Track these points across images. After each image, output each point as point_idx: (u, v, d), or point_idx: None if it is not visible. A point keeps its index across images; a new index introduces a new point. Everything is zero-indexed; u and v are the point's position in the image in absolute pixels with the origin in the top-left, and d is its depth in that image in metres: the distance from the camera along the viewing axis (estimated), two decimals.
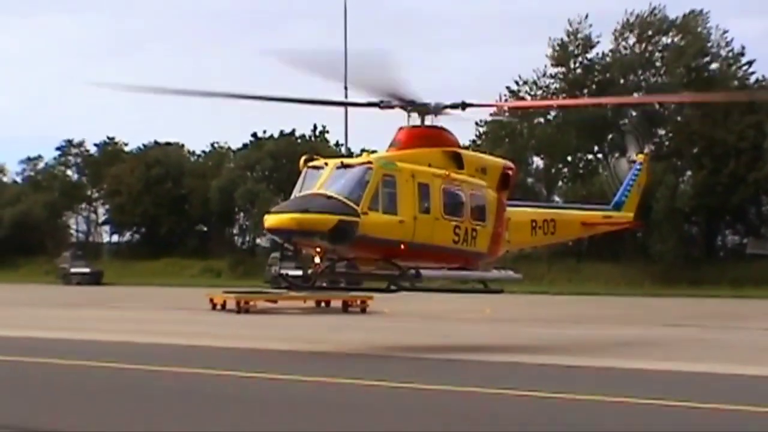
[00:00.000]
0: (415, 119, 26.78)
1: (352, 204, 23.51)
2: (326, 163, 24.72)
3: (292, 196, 24.83)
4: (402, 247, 24.29)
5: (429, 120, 26.80)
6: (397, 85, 26.03)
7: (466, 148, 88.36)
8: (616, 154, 39.71)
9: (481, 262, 27.00)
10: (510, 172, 27.91)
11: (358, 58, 26.24)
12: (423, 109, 26.58)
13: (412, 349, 26.14)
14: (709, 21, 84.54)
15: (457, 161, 26.41)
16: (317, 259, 24.39)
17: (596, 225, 33.75)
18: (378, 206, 23.96)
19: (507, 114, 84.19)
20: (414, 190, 24.62)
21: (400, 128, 26.81)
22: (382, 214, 23.96)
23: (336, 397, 16.78)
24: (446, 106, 26.77)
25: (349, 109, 68.14)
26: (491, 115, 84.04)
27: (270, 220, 23.88)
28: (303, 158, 25.50)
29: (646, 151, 37.58)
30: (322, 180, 24.06)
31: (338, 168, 24.39)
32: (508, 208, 27.94)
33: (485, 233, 26.33)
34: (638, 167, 34.64)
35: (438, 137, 26.60)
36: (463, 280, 28.48)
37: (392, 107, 26.73)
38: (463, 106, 26.90)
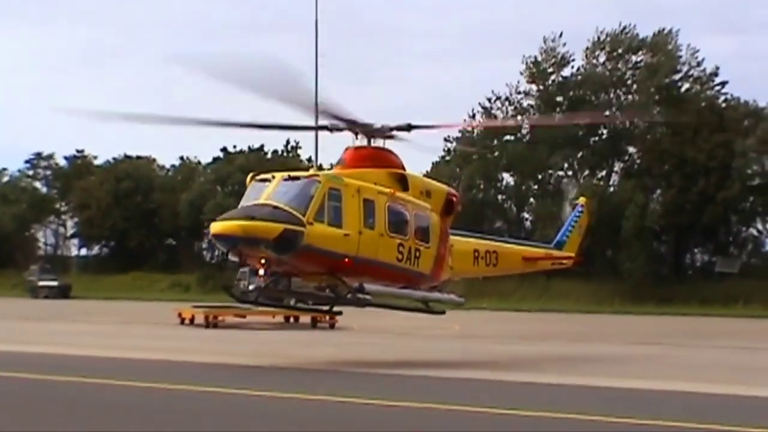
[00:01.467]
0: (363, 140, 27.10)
1: (297, 214, 23.71)
2: (273, 176, 25.00)
3: (239, 207, 25.00)
4: (346, 260, 24.51)
5: (379, 142, 27.14)
6: (339, 108, 26.44)
7: (436, 164, 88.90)
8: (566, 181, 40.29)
9: (425, 283, 27.15)
10: (454, 199, 28.26)
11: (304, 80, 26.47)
12: (370, 131, 26.87)
13: (374, 365, 25.99)
14: (679, 39, 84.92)
15: (402, 183, 26.73)
16: (261, 272, 24.50)
17: (537, 260, 33.91)
18: (324, 218, 24.13)
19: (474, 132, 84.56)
20: (359, 205, 24.86)
21: (347, 148, 27.23)
22: (327, 226, 24.14)
23: (287, 412, 16.68)
24: (392, 128, 27.07)
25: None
26: (460, 132, 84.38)
27: (216, 227, 23.95)
28: (250, 175, 25.87)
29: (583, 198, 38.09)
30: (269, 191, 24.32)
31: (285, 180, 24.66)
32: (452, 237, 28.32)
33: (429, 255, 26.65)
34: (580, 210, 35.42)
35: (383, 158, 26.98)
36: (407, 299, 28.28)
37: (340, 130, 27.13)
38: (409, 128, 27.14)
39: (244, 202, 24.92)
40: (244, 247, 23.86)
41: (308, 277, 26.18)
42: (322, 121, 27.46)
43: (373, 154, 26.99)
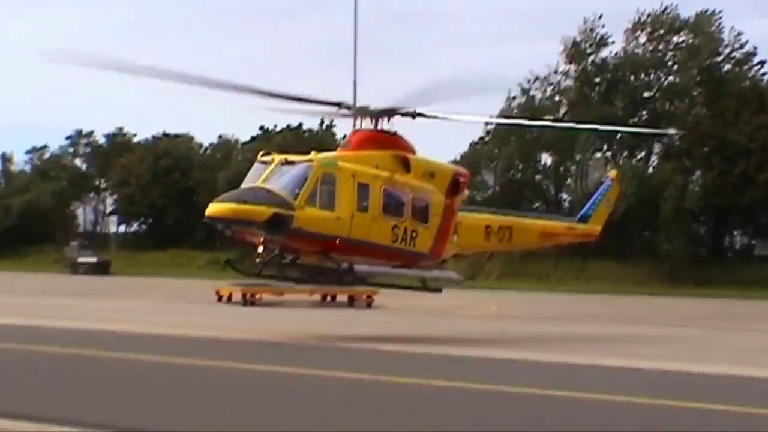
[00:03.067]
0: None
1: (289, 198, 25.07)
2: (273, 159, 26.12)
3: (238, 188, 26.40)
4: (338, 242, 25.72)
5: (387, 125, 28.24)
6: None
7: (474, 144, 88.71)
8: (592, 157, 39.97)
9: (423, 262, 28.09)
10: (461, 179, 29.04)
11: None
12: (377, 114, 28.00)
13: (406, 343, 26.00)
14: (721, 20, 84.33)
15: (405, 165, 27.67)
16: (260, 249, 25.82)
17: (557, 235, 34.32)
18: (315, 202, 25.43)
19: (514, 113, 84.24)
20: (353, 189, 26.08)
21: (354, 131, 28.52)
22: (318, 210, 25.42)
23: (328, 391, 16.75)
24: (399, 114, 28.09)
25: None
26: (500, 114, 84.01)
27: (210, 209, 25.48)
28: (260, 153, 27.25)
29: (614, 169, 38.03)
30: (266, 174, 25.59)
31: (283, 164, 25.87)
32: (461, 213, 29.35)
33: (427, 235, 27.61)
34: (609, 183, 35.27)
35: (388, 141, 28.01)
36: (403, 277, 29.50)
37: (349, 109, 28.45)
38: (414, 115, 28.22)
39: (245, 182, 26.25)
40: (237, 228, 25.60)
41: (303, 255, 26.85)
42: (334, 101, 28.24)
43: (377, 137, 28.07)
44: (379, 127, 28.25)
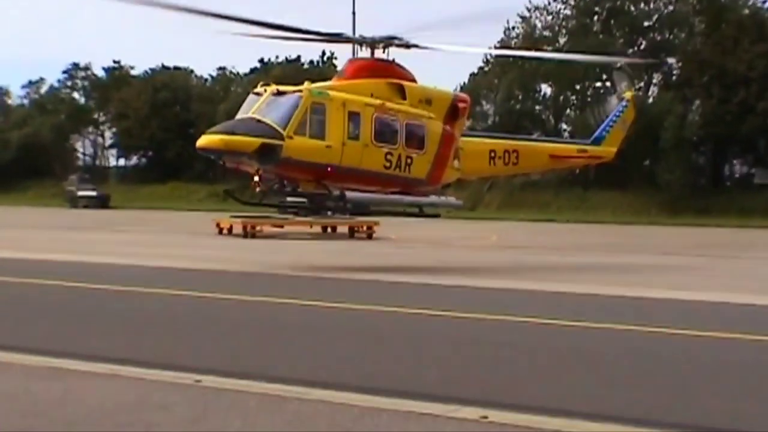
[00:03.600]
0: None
1: (278, 128, 25.54)
2: (265, 90, 26.55)
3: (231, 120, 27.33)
4: (329, 170, 26.29)
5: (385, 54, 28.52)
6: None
7: (474, 75, 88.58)
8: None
9: (421, 188, 28.56)
10: (461, 104, 29.41)
11: None
12: (372, 44, 28.33)
13: (404, 273, 26.11)
14: None
15: (401, 92, 28.06)
16: (256, 178, 26.28)
17: (567, 158, 34.58)
18: (305, 131, 25.87)
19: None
20: (344, 117, 26.48)
21: (349, 60, 29.31)
22: (308, 139, 25.86)
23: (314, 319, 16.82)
24: (395, 44, 28.34)
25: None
26: (499, 45, 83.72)
27: (201, 140, 26.04)
28: (258, 85, 27.60)
29: (633, 89, 37.85)
30: (258, 105, 26.15)
31: (274, 95, 26.35)
32: (464, 138, 29.85)
33: (423, 161, 27.91)
34: (624, 104, 35.03)
35: (384, 69, 28.31)
36: (399, 204, 29.69)
37: (348, 40, 29.55)
38: (409, 45, 28.51)
39: (239, 114, 26.75)
40: (228, 159, 26.17)
41: (302, 184, 27.36)
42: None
43: (373, 65, 28.34)
44: (375, 56, 28.49)
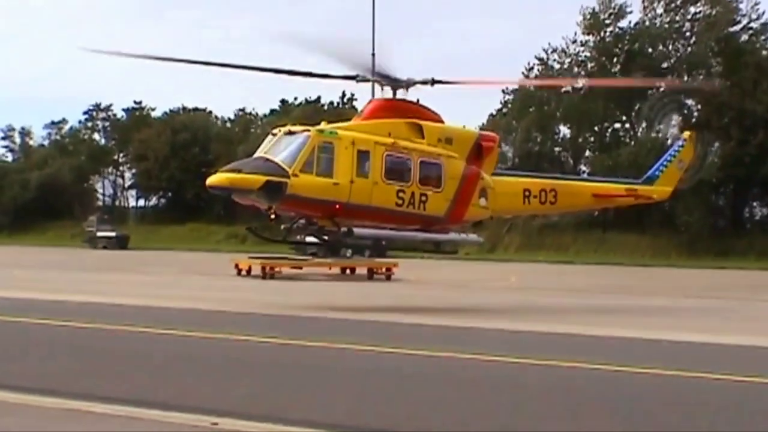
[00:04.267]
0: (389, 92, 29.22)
1: (284, 166, 26.37)
2: (279, 131, 27.51)
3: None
4: (338, 207, 26.89)
5: (403, 94, 29.09)
6: (368, 62, 29.07)
7: (492, 116, 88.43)
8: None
9: (441, 225, 28.88)
10: (485, 143, 29.82)
11: (341, 35, 28.65)
12: (394, 84, 28.85)
13: (421, 315, 26.08)
14: None
15: (419, 132, 28.56)
16: (272, 216, 27.39)
17: (613, 197, 34.25)
18: (312, 169, 26.59)
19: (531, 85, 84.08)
20: (352, 155, 27.06)
21: (370, 100, 29.85)
22: (315, 177, 26.56)
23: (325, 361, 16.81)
24: (416, 82, 28.82)
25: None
26: (518, 85, 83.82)
27: (210, 178, 27.00)
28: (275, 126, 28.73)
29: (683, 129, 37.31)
30: (270, 145, 27.16)
31: (285, 135, 27.23)
32: (496, 177, 30.17)
33: (440, 198, 28.30)
34: (681, 143, 34.68)
35: (404, 109, 28.83)
36: (413, 240, 30.14)
37: (367, 81, 29.68)
38: (432, 82, 28.77)
39: (255, 154, 27.64)
40: (237, 196, 26.92)
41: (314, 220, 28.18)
42: (351, 73, 28.95)
43: (393, 105, 28.88)
44: (397, 97, 29.00)
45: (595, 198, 33.22)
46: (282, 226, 28.73)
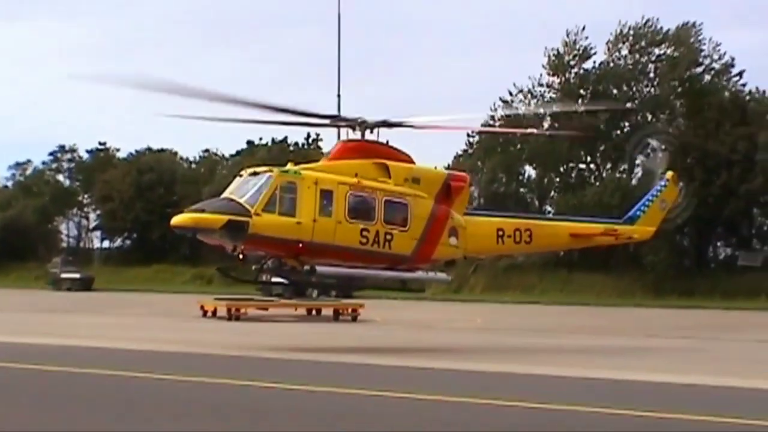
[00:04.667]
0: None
1: (247, 206, 26.82)
2: (245, 173, 28.29)
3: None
4: (301, 245, 27.20)
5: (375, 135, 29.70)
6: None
7: (458, 158, 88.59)
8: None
9: (408, 264, 29.03)
10: (454, 183, 30.03)
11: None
12: (362, 126, 29.39)
13: (388, 356, 26.05)
14: (702, 33, 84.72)
15: (386, 172, 28.94)
16: (240, 256, 28.00)
17: (592, 237, 33.81)
18: (275, 209, 27.01)
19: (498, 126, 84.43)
20: (315, 195, 27.47)
21: (338, 142, 30.36)
22: (278, 216, 26.97)
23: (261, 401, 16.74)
24: (386, 124, 29.45)
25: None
26: (483, 126, 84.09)
27: (174, 219, 27.49)
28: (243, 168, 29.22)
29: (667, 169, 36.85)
30: (236, 186, 27.80)
31: (250, 176, 27.84)
32: (468, 218, 30.38)
33: (407, 237, 28.54)
34: (663, 183, 34.36)
35: (371, 150, 29.36)
36: (378, 278, 30.34)
37: (339, 124, 30.57)
38: (396, 125, 29.49)
39: (222, 194, 28.10)
40: (201, 235, 27.38)
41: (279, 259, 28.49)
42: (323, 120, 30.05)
43: (360, 146, 29.36)
44: (366, 138, 29.48)
45: (573, 238, 33.11)
46: (254, 267, 29.07)
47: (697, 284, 74.98)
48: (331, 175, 27.99)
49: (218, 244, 27.84)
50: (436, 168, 30.98)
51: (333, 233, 27.45)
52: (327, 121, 30.26)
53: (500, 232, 31.14)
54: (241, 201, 26.94)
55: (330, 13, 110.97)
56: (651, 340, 35.57)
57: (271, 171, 27.67)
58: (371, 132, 29.48)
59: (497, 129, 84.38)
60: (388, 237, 28.19)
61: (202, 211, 27.12)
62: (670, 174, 35.04)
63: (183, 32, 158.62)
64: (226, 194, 27.70)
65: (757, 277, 74.11)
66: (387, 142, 29.74)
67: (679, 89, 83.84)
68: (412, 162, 29.82)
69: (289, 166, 28.20)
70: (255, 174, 27.77)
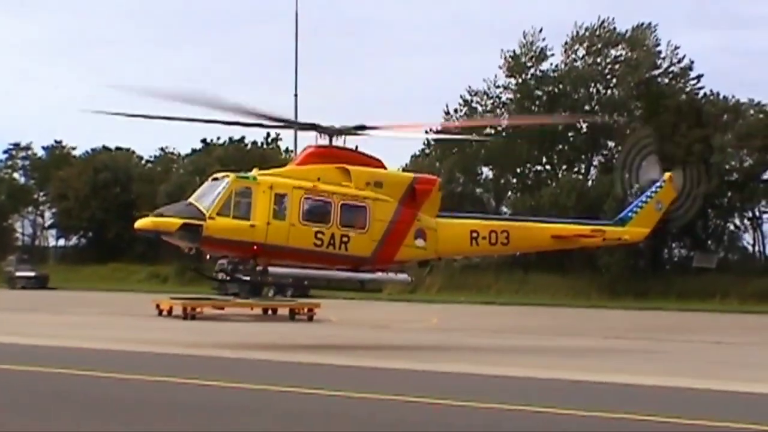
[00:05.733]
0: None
1: (203, 210, 28.17)
2: (208, 178, 29.82)
3: None
4: (255, 247, 28.31)
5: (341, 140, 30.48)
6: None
7: (415, 157, 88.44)
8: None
9: (369, 266, 29.78)
10: (419, 187, 30.46)
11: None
12: (330, 132, 30.20)
13: (340, 355, 26.08)
14: (657, 34, 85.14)
15: (348, 176, 29.69)
16: (208, 256, 30.23)
17: (577, 238, 33.44)
18: (229, 212, 28.27)
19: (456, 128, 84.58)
20: (270, 199, 28.55)
21: (305, 147, 31.41)
22: (232, 219, 28.22)
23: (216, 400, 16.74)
24: (350, 129, 30.23)
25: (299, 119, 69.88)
26: (441, 126, 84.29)
27: (137, 222, 28.99)
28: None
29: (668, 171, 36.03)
30: (200, 191, 29.34)
31: (212, 180, 29.33)
32: (441, 220, 30.71)
33: (365, 239, 29.27)
34: (659, 184, 33.77)
35: (336, 155, 30.08)
36: (333, 279, 31.01)
37: (306, 129, 31.37)
38: (363, 128, 30.32)
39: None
40: (162, 237, 28.72)
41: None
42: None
43: (327, 152, 30.13)
44: (333, 144, 30.25)
45: (555, 239, 32.75)
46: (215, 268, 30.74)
47: (652, 285, 75.37)
48: (287, 179, 28.96)
49: (178, 245, 29.10)
50: (401, 172, 31.53)
51: (287, 235, 28.39)
52: (281, 125, 31.29)
53: (474, 234, 31.32)
54: (198, 205, 28.30)
55: (288, 11, 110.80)
56: (607, 341, 35.73)
57: (228, 176, 28.88)
58: (338, 137, 30.19)
59: (461, 137, 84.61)
60: (345, 239, 28.90)
61: (162, 215, 28.55)
62: (667, 175, 34.69)
63: (138, 29, 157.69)
64: (190, 199, 28.98)
65: (711, 279, 74.56)
66: (356, 147, 30.63)
67: (636, 92, 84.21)
68: (383, 166, 30.65)
69: (255, 172, 29.28)
70: (216, 180, 29.07)
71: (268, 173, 29.56)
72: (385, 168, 30.69)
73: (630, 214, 33.61)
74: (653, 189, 33.76)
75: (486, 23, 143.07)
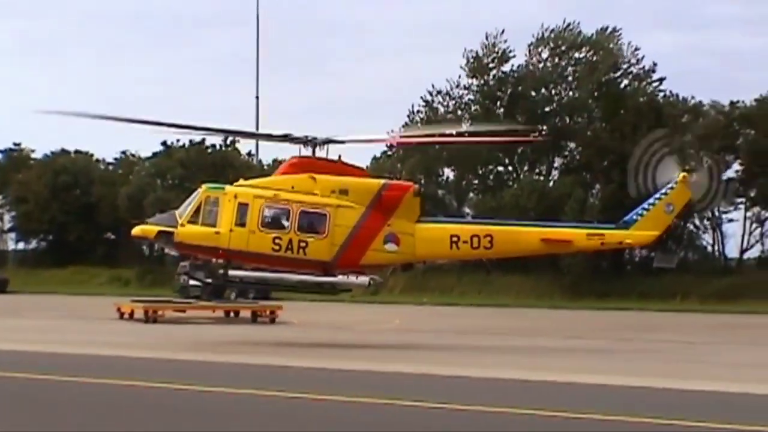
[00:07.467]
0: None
1: (177, 218, 31.08)
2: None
3: None
4: (220, 252, 30.85)
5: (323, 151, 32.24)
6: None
7: (377, 159, 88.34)
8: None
9: (329, 269, 31.07)
10: (388, 193, 31.52)
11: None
12: (312, 143, 31.91)
13: (304, 356, 26.05)
14: (621, 37, 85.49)
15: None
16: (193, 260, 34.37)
17: (568, 242, 32.73)
18: (198, 220, 30.93)
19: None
20: (234, 208, 30.88)
21: (290, 158, 32.88)
22: (200, 227, 30.83)
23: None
24: (327, 141, 31.85)
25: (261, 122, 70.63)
26: (403, 128, 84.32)
27: (134, 229, 32.53)
28: None
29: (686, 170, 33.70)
30: (187, 201, 31.90)
31: (193, 191, 32.05)
32: (421, 224, 31.41)
33: (325, 244, 30.81)
34: (671, 186, 32.06)
35: (313, 165, 31.78)
36: (289, 282, 32.39)
37: (294, 141, 32.52)
38: (342, 142, 32.11)
39: None
40: (153, 242, 33.78)
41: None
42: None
43: (307, 162, 31.90)
44: (317, 154, 32.00)
45: (546, 243, 32.08)
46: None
47: (613, 286, 75.60)
48: (251, 189, 31.41)
49: (157, 248, 32.47)
50: (369, 179, 32.52)
51: (247, 241, 30.59)
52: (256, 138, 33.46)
53: (454, 238, 31.49)
54: (176, 214, 31.29)
55: (249, 14, 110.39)
56: (569, 341, 35.84)
57: (200, 187, 31.71)
58: (320, 148, 31.84)
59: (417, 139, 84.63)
60: (302, 244, 30.67)
61: (146, 223, 32.44)
62: (681, 176, 32.53)
63: (104, 33, 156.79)
64: (180, 208, 31.77)
65: (672, 279, 74.75)
66: (339, 157, 32.17)
67: (596, 93, 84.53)
68: (366, 175, 32.91)
69: (241, 181, 32.35)
70: (193, 191, 32.06)
71: (246, 183, 32.18)
72: (367, 176, 32.80)
73: (635, 216, 32.34)
74: (663, 191, 32.13)
75: (453, 24, 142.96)
